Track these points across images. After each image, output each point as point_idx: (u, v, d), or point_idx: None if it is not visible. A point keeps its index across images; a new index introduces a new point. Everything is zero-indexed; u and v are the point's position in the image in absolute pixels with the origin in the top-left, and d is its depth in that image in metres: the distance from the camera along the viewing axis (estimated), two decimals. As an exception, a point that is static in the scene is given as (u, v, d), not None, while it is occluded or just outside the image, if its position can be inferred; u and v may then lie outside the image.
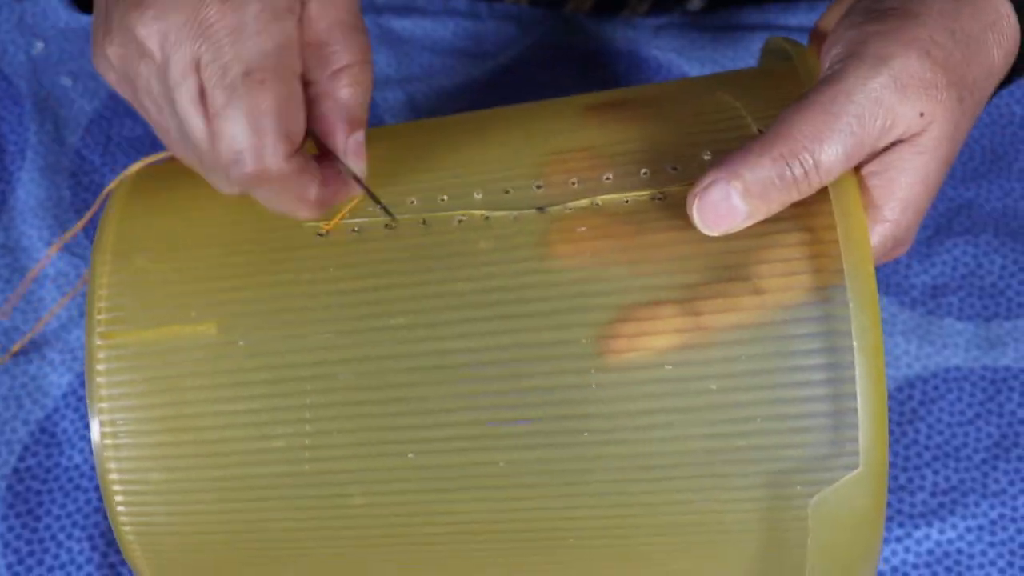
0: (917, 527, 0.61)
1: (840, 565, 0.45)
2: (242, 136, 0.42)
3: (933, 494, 0.62)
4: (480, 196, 0.47)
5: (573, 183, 0.46)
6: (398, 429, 0.46)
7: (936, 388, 0.64)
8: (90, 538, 0.63)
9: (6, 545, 0.62)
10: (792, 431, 0.43)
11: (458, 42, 0.74)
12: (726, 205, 0.42)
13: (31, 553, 0.62)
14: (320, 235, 0.48)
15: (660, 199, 0.45)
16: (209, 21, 0.42)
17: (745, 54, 0.71)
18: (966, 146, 0.69)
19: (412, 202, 0.47)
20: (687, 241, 0.44)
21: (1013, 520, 0.61)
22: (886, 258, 0.46)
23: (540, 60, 0.73)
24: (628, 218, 0.45)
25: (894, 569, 0.61)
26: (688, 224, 0.43)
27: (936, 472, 0.62)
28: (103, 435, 0.48)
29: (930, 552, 0.61)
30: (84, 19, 0.73)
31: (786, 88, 0.47)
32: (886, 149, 0.44)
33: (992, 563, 0.60)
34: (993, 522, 0.61)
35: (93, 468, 0.64)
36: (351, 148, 0.45)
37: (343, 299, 0.47)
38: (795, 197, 0.43)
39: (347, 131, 0.45)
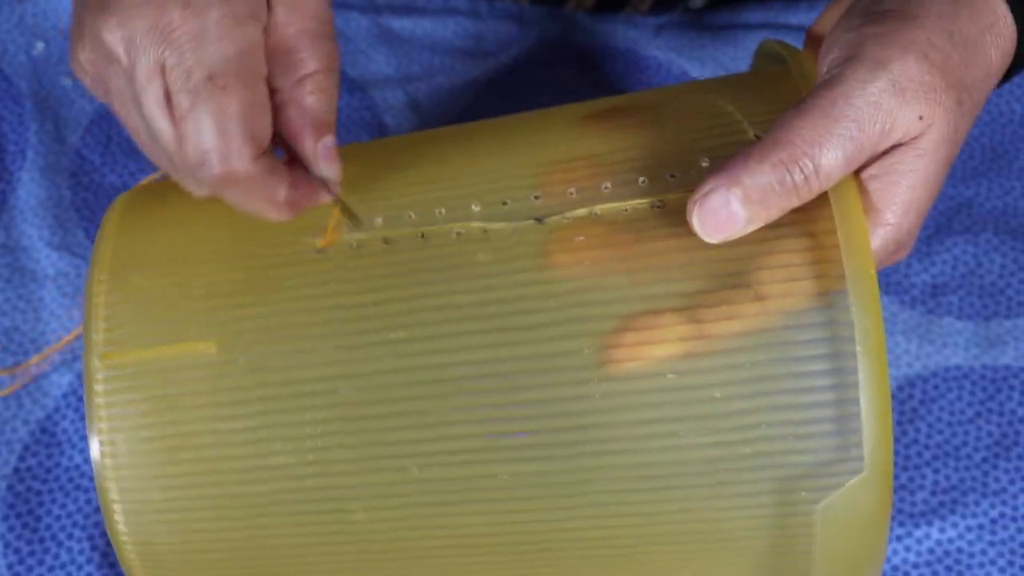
0: (917, 526, 0.61)
1: (847, 568, 0.45)
2: (208, 138, 0.43)
3: (933, 493, 0.62)
4: (478, 208, 0.47)
5: (571, 193, 0.46)
6: (399, 443, 0.46)
7: (936, 387, 0.63)
8: (90, 538, 0.63)
9: (6, 545, 0.62)
10: (797, 437, 0.43)
11: (458, 41, 0.73)
12: (726, 212, 0.42)
13: (31, 553, 0.62)
14: (318, 251, 0.47)
15: (659, 207, 0.45)
16: (171, 27, 0.43)
17: (745, 53, 0.71)
18: (966, 144, 0.68)
19: (410, 216, 0.47)
20: (687, 248, 0.44)
21: (1013, 519, 0.61)
22: (888, 262, 0.46)
23: (541, 59, 0.73)
24: (627, 226, 0.45)
25: (895, 568, 0.61)
26: (688, 231, 0.43)
27: (936, 471, 0.62)
28: (103, 454, 0.47)
29: (930, 551, 0.61)
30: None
31: (781, 92, 0.47)
32: (886, 152, 0.43)
33: (992, 562, 0.60)
34: (993, 521, 0.61)
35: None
36: (321, 153, 0.46)
37: (343, 314, 0.46)
38: (795, 202, 0.42)
39: (315, 136, 0.45)
